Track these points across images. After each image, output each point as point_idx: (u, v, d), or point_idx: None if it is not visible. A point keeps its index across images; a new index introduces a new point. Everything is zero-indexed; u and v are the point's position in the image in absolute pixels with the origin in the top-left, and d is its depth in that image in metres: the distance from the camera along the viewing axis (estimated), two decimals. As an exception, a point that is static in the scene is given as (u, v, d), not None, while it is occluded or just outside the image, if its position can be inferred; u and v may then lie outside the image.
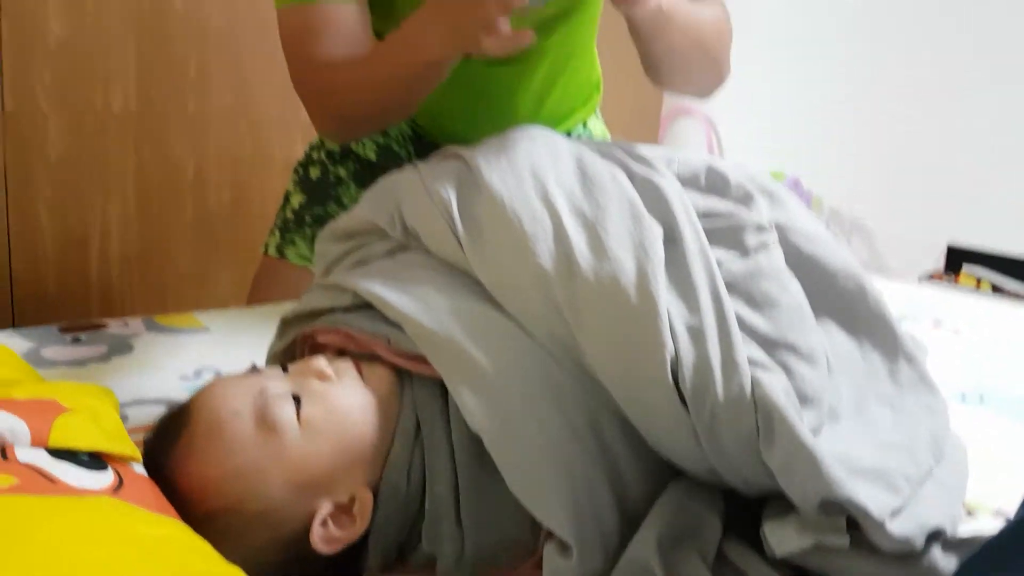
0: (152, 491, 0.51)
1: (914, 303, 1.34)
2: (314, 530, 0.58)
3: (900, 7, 2.64)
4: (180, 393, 0.86)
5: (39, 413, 0.50)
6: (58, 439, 0.49)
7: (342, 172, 1.23)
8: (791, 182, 2.71)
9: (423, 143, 1.23)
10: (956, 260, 2.50)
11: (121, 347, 0.99)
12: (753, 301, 0.64)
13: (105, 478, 0.49)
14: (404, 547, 0.62)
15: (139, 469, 0.54)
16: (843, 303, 0.71)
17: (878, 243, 2.68)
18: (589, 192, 0.68)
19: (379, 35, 1.06)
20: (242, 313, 1.18)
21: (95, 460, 0.50)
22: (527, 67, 1.14)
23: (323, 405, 0.61)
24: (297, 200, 1.24)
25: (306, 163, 1.26)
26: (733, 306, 0.62)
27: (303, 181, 1.25)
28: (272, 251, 1.25)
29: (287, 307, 1.16)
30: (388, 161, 1.21)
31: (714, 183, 0.75)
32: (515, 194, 0.67)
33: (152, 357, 0.97)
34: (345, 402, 0.62)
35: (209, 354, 1.00)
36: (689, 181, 0.75)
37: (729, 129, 3.09)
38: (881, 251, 2.66)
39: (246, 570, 0.45)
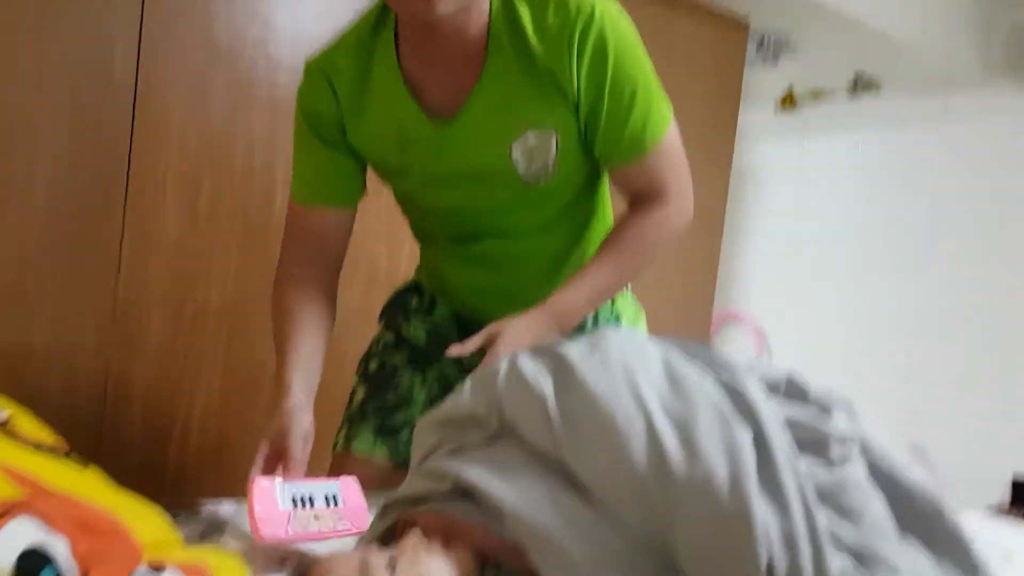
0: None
1: (983, 534, 1.32)
2: None
3: (963, 226, 2.72)
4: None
5: (194, 573, 0.55)
6: (209, 600, 0.54)
7: (397, 360, 1.30)
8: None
9: (464, 322, 1.28)
10: (1022, 494, 2.44)
11: (216, 528, 0.98)
12: (841, 510, 0.66)
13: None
14: None
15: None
16: (921, 520, 0.71)
17: (938, 472, 2.60)
18: (678, 393, 0.71)
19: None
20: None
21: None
22: (539, 240, 1.15)
23: (415, 570, 0.66)
24: (360, 393, 1.30)
25: (367, 357, 1.33)
26: (823, 515, 0.64)
27: (364, 375, 1.32)
28: (340, 447, 1.29)
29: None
30: (436, 344, 1.27)
31: (794, 393, 0.78)
32: (608, 392, 0.70)
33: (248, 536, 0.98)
34: (433, 568, 0.67)
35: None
36: (771, 387, 0.78)
37: (779, 340, 3.13)
38: (941, 480, 2.58)
39: None
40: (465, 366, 1.31)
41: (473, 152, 1.05)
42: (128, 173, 1.67)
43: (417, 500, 0.79)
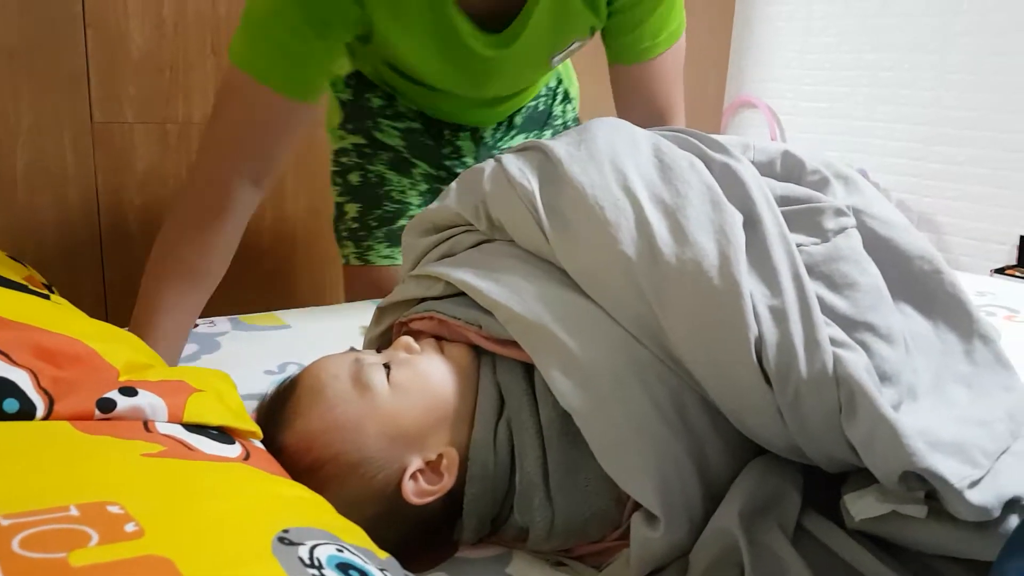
0: (274, 463, 0.56)
1: (988, 294, 1.33)
2: (405, 482, 0.63)
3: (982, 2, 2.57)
4: (266, 387, 0.92)
5: (173, 392, 0.56)
6: (192, 415, 0.55)
7: (381, 167, 1.28)
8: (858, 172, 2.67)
9: (431, 121, 1.29)
10: None
11: (210, 346, 1.05)
12: (833, 283, 0.65)
13: (234, 450, 0.54)
14: (496, 519, 0.67)
15: (259, 445, 0.59)
16: (919, 286, 0.71)
17: (947, 237, 2.62)
18: (668, 180, 0.69)
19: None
20: (322, 311, 1.24)
21: (223, 435, 0.56)
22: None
23: (409, 370, 0.68)
24: (353, 209, 1.30)
25: (342, 171, 1.30)
26: (813, 288, 0.64)
27: (349, 190, 1.29)
28: (354, 261, 1.32)
29: (363, 305, 1.22)
30: (414, 146, 1.27)
31: (790, 168, 0.76)
32: (596, 183, 0.69)
33: (239, 354, 1.02)
34: (428, 368, 0.69)
35: (292, 350, 1.05)
36: (765, 167, 0.76)
37: (792, 120, 3.06)
38: (950, 244, 2.61)
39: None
40: (448, 165, 1.29)
41: (522, 63, 1.07)
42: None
43: (410, 304, 0.80)
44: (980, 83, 2.57)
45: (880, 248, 0.71)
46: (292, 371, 0.96)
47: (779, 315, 0.61)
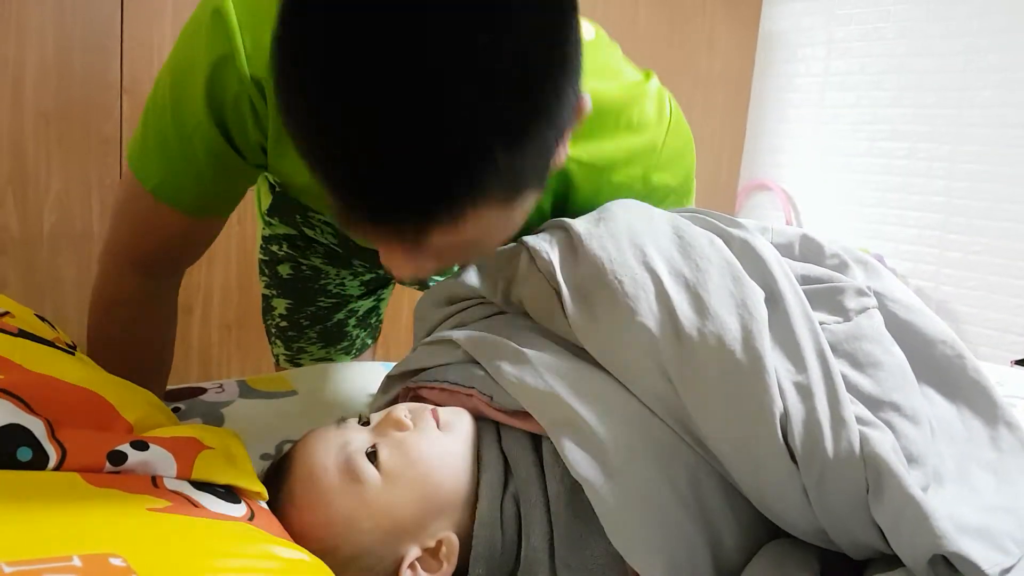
0: (278, 524, 0.55)
1: (1006, 383, 1.30)
2: (403, 572, 0.61)
3: (988, 86, 2.62)
4: (271, 453, 0.89)
5: (184, 449, 0.55)
6: (200, 472, 0.54)
7: (314, 260, 1.12)
8: (875, 259, 2.68)
9: None
10: None
11: (215, 419, 0.98)
12: (857, 362, 0.64)
13: (240, 509, 0.53)
14: None
15: (264, 506, 0.58)
16: (942, 370, 0.70)
17: (965, 326, 2.61)
18: (687, 255, 0.69)
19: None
20: (331, 371, 1.17)
21: (230, 493, 0.55)
22: None
23: (401, 455, 0.64)
24: (282, 305, 1.16)
25: (271, 261, 1.14)
26: (837, 366, 0.63)
27: (279, 283, 1.15)
28: (284, 364, 1.21)
29: (373, 367, 1.19)
30: (348, 243, 1.08)
31: (809, 252, 0.76)
32: (615, 258, 0.69)
33: (247, 423, 0.97)
34: (423, 449, 0.65)
35: (300, 419, 0.98)
36: (784, 248, 0.76)
37: (807, 205, 3.08)
38: (969, 334, 2.59)
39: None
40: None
41: None
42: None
43: (419, 372, 0.79)
44: (992, 173, 2.60)
45: (901, 332, 0.70)
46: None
47: (804, 391, 0.60)
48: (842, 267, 0.74)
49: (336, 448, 0.65)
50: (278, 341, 1.22)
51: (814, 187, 3.04)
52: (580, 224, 0.74)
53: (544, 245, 0.74)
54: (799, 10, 3.04)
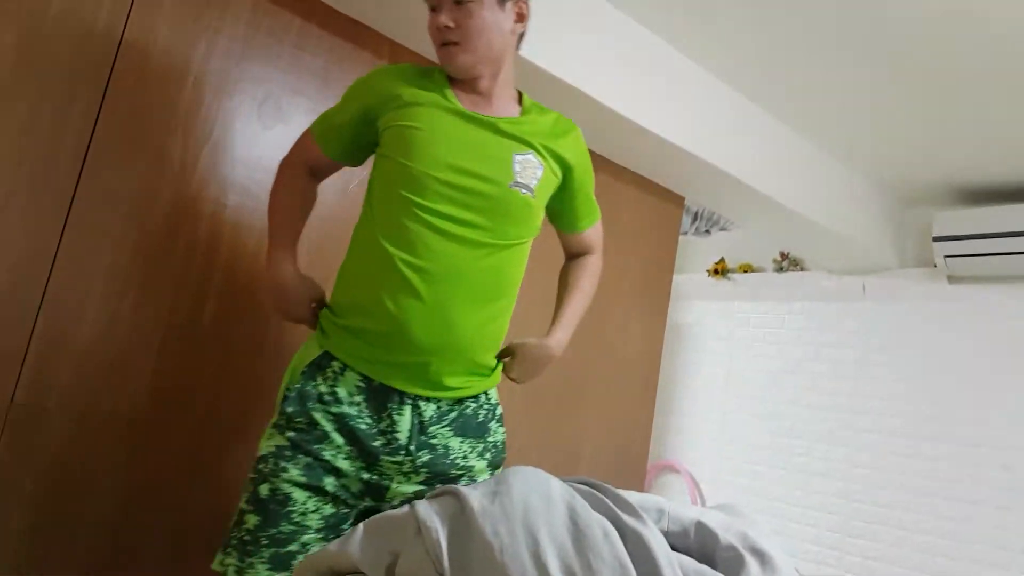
0: None
1: None
2: None
3: (877, 395, 2.81)
4: None
5: None
6: None
7: (288, 485, 1.28)
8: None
9: (373, 387, 1.31)
10: None
11: None
12: None
13: None
14: None
15: None
16: None
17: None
18: (581, 551, 0.68)
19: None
20: None
21: None
22: (482, 266, 1.35)
23: None
24: (252, 521, 1.27)
25: (256, 480, 1.31)
26: None
27: (255, 500, 1.29)
28: (232, 573, 1.27)
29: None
30: (344, 429, 1.30)
31: (704, 541, 0.76)
32: (507, 547, 0.67)
33: None
34: None
35: None
36: (679, 536, 0.75)
37: (713, 490, 3.12)
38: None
39: None
40: (376, 447, 1.30)
41: (491, 143, 1.38)
42: (52, 267, 1.62)
43: None
44: (887, 480, 2.70)
45: None
46: None
47: None
48: (737, 561, 0.74)
49: None
50: (233, 551, 1.30)
51: (718, 472, 3.09)
52: (475, 497, 0.74)
53: (435, 520, 0.73)
54: (701, 308, 3.31)
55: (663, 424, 3.25)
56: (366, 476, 1.31)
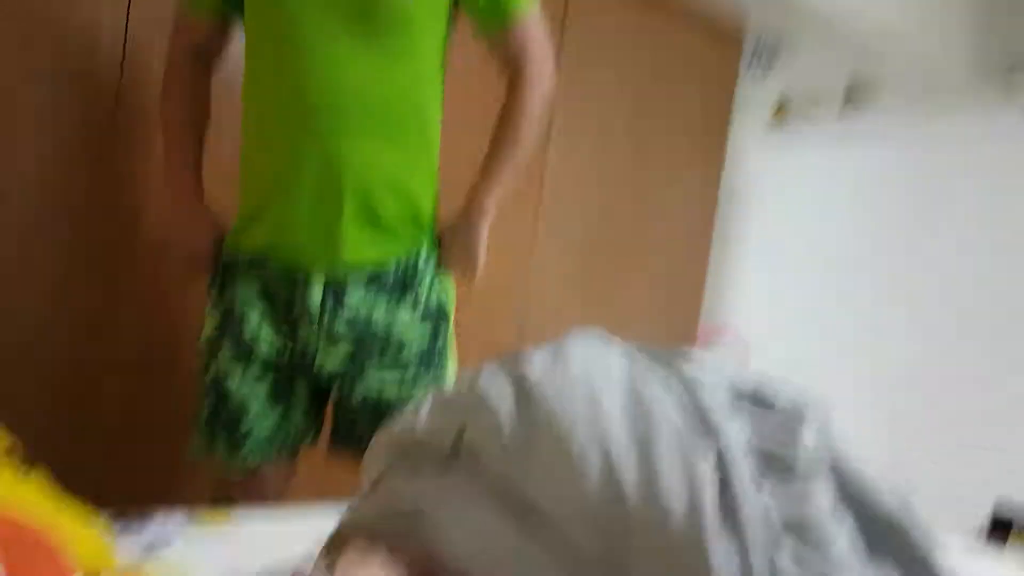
0: None
1: (960, 566, 1.30)
2: None
3: (952, 245, 2.72)
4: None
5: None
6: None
7: (225, 362, 1.31)
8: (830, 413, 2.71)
9: (279, 270, 1.28)
10: (1004, 523, 2.43)
11: (161, 544, 0.97)
12: (805, 540, 0.63)
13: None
14: None
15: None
16: (892, 546, 0.68)
17: (925, 491, 2.61)
18: (641, 417, 0.69)
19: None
20: (276, 514, 1.18)
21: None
22: (370, 84, 1.22)
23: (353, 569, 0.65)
24: (206, 407, 1.35)
25: (202, 365, 1.35)
26: (785, 542, 0.62)
27: (204, 387, 1.35)
28: (201, 458, 1.37)
29: (321, 510, 1.17)
30: (267, 289, 1.29)
31: (764, 403, 0.76)
32: (567, 415, 0.68)
33: (191, 557, 0.95)
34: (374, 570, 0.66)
35: (243, 556, 0.97)
36: (737, 398, 0.75)
37: (765, 355, 3.13)
38: (929, 498, 2.59)
39: None
40: (296, 313, 1.29)
41: None
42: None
43: (367, 526, 0.77)
44: (952, 342, 2.64)
45: (853, 502, 0.69)
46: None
47: (746, 573, 0.59)
48: (796, 423, 0.73)
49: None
50: (199, 438, 1.37)
51: (772, 336, 3.09)
52: (534, 367, 0.74)
53: (495, 392, 0.74)
54: (758, 161, 3.21)
55: (716, 287, 3.24)
56: (291, 347, 1.31)
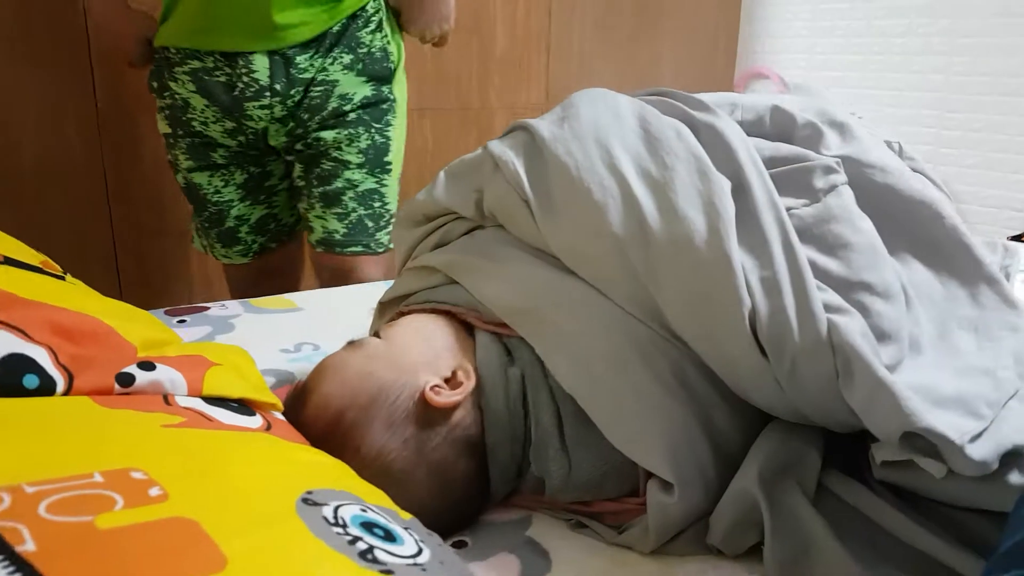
0: (295, 433, 0.57)
1: (1007, 256, 1.30)
2: (427, 393, 0.64)
3: None
4: (285, 365, 0.93)
5: (192, 366, 0.56)
6: (211, 388, 0.55)
7: (185, 166, 1.35)
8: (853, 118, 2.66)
9: (218, 56, 1.25)
10: None
11: (224, 327, 1.06)
12: (825, 245, 0.65)
13: (255, 421, 0.54)
14: (519, 471, 0.67)
15: (280, 417, 0.60)
16: (921, 232, 0.70)
17: (963, 205, 2.60)
18: (655, 152, 0.69)
19: None
20: (330, 293, 1.25)
21: (243, 407, 0.56)
22: None
23: (399, 327, 0.72)
24: (193, 209, 1.42)
25: (175, 160, 1.37)
26: (805, 252, 0.63)
27: (182, 191, 1.40)
28: (205, 251, 1.47)
29: (373, 288, 1.23)
30: (204, 89, 1.27)
31: (780, 124, 0.75)
32: (582, 163, 0.69)
33: (254, 335, 1.03)
34: (418, 322, 0.72)
35: (306, 330, 1.06)
36: (754, 125, 0.75)
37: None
38: (967, 212, 2.58)
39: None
40: (244, 107, 1.27)
41: None
42: None
43: (408, 296, 0.81)
44: (994, 46, 2.54)
45: (877, 196, 0.70)
46: (307, 351, 0.97)
47: (771, 286, 0.61)
48: (816, 136, 0.73)
49: (343, 346, 0.70)
50: (198, 235, 1.44)
51: (811, 71, 2.97)
52: (544, 126, 0.74)
53: (509, 154, 0.74)
54: None
55: (748, 29, 3.06)
56: (241, 131, 1.29)
